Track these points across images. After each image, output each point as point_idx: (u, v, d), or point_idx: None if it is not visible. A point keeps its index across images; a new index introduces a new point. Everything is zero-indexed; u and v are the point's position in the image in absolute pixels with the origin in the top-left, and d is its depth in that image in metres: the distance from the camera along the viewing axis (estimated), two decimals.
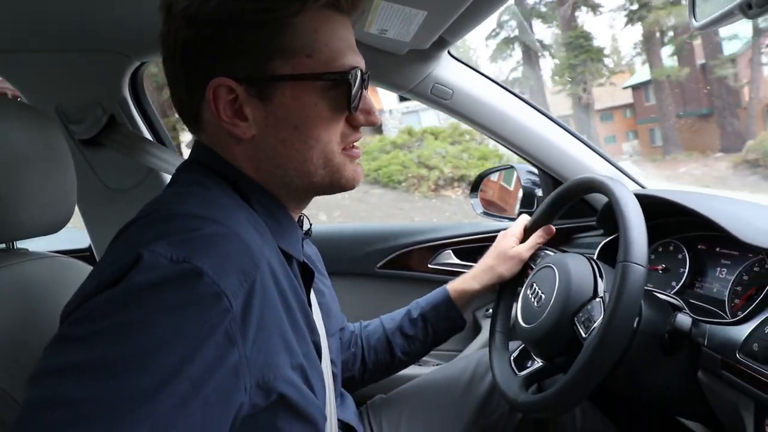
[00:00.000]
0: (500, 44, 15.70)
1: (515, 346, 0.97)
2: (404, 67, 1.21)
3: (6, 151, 0.70)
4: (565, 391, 0.71)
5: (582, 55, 14.72)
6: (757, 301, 0.73)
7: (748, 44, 12.21)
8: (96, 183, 1.39)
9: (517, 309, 0.94)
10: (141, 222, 0.54)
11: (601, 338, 0.67)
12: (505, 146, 1.32)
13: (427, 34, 1.08)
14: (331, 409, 0.72)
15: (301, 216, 0.76)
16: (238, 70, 0.59)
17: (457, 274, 1.15)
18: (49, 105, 1.29)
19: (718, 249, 0.92)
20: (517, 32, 15.39)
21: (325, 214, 7.42)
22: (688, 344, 0.75)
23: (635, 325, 0.73)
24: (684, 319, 0.74)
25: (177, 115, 0.67)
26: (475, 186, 1.52)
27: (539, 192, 1.39)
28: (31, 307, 0.70)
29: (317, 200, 0.77)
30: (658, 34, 13.88)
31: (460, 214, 7.90)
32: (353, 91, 0.62)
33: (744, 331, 0.70)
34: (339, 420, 0.82)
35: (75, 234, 1.56)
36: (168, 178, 1.16)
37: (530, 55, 15.46)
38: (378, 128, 9.38)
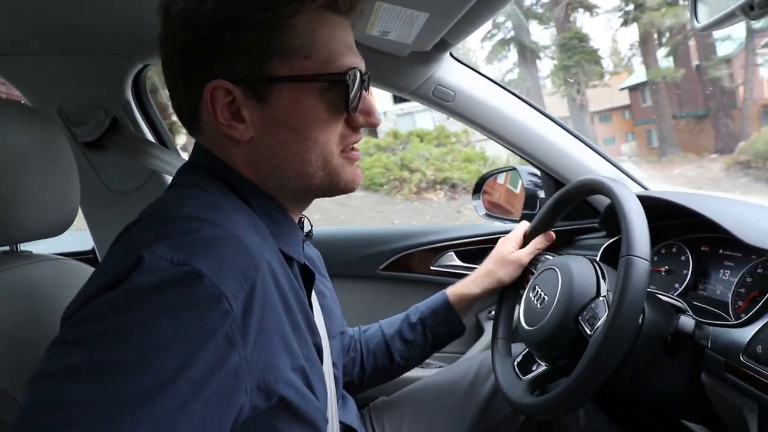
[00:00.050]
0: (496, 46, 15.68)
1: (518, 352, 0.97)
2: (406, 69, 1.21)
3: (8, 153, 0.70)
4: (571, 390, 0.71)
5: (576, 56, 14.67)
6: (760, 303, 0.72)
7: (742, 45, 12.19)
8: (99, 185, 1.40)
9: (520, 312, 0.94)
10: (141, 224, 0.54)
11: (607, 334, 0.67)
12: (507, 148, 1.32)
13: (428, 36, 1.08)
14: (333, 411, 0.71)
15: (301, 218, 0.76)
16: (235, 72, 0.58)
17: (459, 276, 1.15)
18: (52, 107, 1.29)
19: (721, 251, 0.92)
20: (512, 33, 15.38)
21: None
22: (691, 346, 0.74)
23: (640, 321, 0.73)
24: (687, 321, 0.74)
25: (172, 119, 0.68)
26: (478, 188, 1.51)
27: (541, 194, 1.38)
28: (33, 309, 0.70)
29: None
30: (654, 35, 13.87)
31: (440, 217, 7.86)
32: (351, 92, 0.62)
33: (748, 333, 0.69)
34: (341, 422, 0.82)
35: (77, 236, 1.56)
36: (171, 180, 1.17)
37: (526, 57, 15.45)
38: (372, 130, 9.38)
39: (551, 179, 1.34)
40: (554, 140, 1.28)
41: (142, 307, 0.44)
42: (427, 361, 1.09)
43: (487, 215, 1.49)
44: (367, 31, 1.04)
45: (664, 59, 14.12)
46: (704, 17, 0.65)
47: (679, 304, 0.80)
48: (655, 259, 1.02)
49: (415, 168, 8.66)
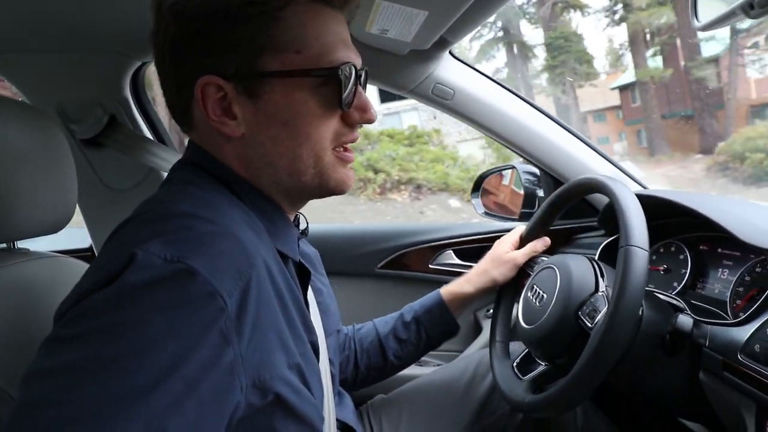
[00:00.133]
0: (484, 45, 15.64)
1: (517, 354, 0.97)
2: (405, 68, 1.21)
3: (6, 151, 0.70)
4: (571, 386, 0.71)
5: (561, 56, 14.65)
6: (758, 302, 0.72)
7: (727, 46, 12.21)
8: (97, 183, 1.39)
9: (518, 311, 0.94)
10: (135, 221, 0.54)
11: (609, 325, 0.67)
12: (506, 146, 1.32)
13: (428, 34, 1.08)
14: (329, 408, 0.71)
15: (297, 215, 0.76)
16: (226, 67, 0.58)
17: (458, 274, 1.15)
18: (50, 105, 1.29)
19: (719, 250, 0.92)
20: (501, 33, 15.36)
21: None
22: (689, 345, 0.74)
23: (640, 313, 0.73)
24: (685, 320, 0.74)
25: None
26: (477, 186, 1.51)
27: (540, 192, 1.38)
28: (31, 307, 0.70)
29: None
30: (644, 35, 13.85)
31: (402, 218, 7.84)
32: (345, 87, 0.61)
33: (746, 332, 0.69)
34: (337, 420, 0.82)
35: (75, 234, 1.56)
36: None
37: (515, 56, 15.43)
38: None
39: (550, 178, 1.33)
40: (554, 139, 1.28)
41: (135, 304, 0.44)
42: (425, 359, 1.10)
43: (486, 214, 1.49)
44: (366, 29, 1.04)
45: (652, 59, 14.14)
46: (704, 16, 0.65)
47: (677, 303, 0.80)
48: (654, 258, 1.02)
49: (380, 168, 8.61)
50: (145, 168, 1.38)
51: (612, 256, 0.75)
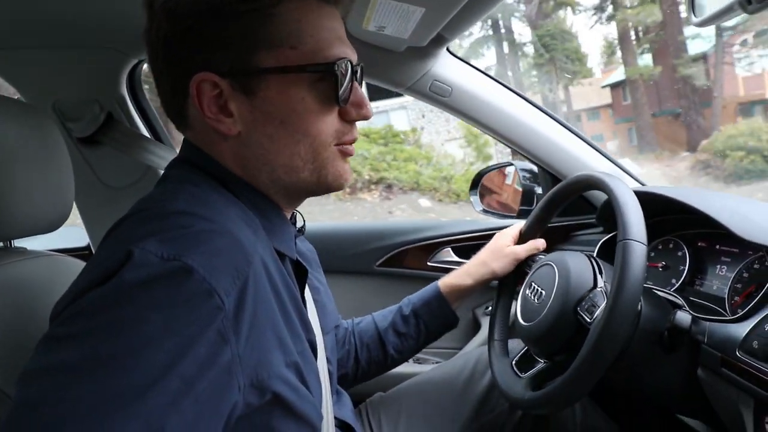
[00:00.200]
0: (474, 44, 15.59)
1: (516, 352, 0.97)
2: (402, 65, 1.21)
3: (2, 150, 0.69)
4: (571, 381, 0.70)
5: (548, 53, 14.61)
6: (757, 299, 0.72)
7: (712, 44, 12.21)
8: (94, 181, 1.39)
9: (517, 308, 0.94)
10: (132, 219, 0.54)
11: (608, 319, 0.67)
12: (504, 143, 1.32)
13: (425, 31, 1.07)
14: (328, 407, 0.71)
15: (293, 213, 0.76)
16: (221, 64, 0.58)
17: None
18: (46, 103, 1.29)
19: (718, 246, 0.92)
20: (491, 32, 15.33)
21: None
22: (687, 342, 0.75)
23: (639, 308, 0.73)
24: (684, 317, 0.74)
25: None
26: (475, 183, 1.51)
27: (539, 189, 1.38)
28: (28, 306, 0.70)
29: None
30: (637, 32, 13.85)
31: (370, 218, 7.79)
32: (342, 83, 0.61)
33: (744, 328, 0.69)
34: (336, 418, 0.82)
35: (73, 232, 1.56)
36: None
37: (504, 54, 15.42)
38: None
39: (548, 175, 1.33)
40: (551, 136, 1.28)
41: (132, 302, 0.44)
42: (423, 357, 1.10)
43: (485, 211, 1.49)
44: (363, 26, 1.04)
45: (642, 57, 14.12)
46: (701, 12, 0.65)
47: (675, 300, 0.80)
48: (652, 254, 1.02)
49: (351, 168, 8.57)
50: (142, 166, 1.38)
51: (610, 253, 0.75)
